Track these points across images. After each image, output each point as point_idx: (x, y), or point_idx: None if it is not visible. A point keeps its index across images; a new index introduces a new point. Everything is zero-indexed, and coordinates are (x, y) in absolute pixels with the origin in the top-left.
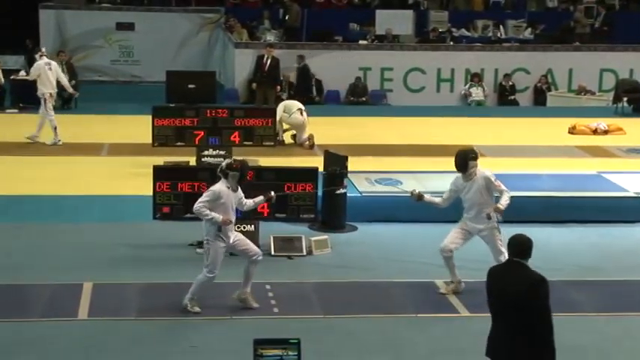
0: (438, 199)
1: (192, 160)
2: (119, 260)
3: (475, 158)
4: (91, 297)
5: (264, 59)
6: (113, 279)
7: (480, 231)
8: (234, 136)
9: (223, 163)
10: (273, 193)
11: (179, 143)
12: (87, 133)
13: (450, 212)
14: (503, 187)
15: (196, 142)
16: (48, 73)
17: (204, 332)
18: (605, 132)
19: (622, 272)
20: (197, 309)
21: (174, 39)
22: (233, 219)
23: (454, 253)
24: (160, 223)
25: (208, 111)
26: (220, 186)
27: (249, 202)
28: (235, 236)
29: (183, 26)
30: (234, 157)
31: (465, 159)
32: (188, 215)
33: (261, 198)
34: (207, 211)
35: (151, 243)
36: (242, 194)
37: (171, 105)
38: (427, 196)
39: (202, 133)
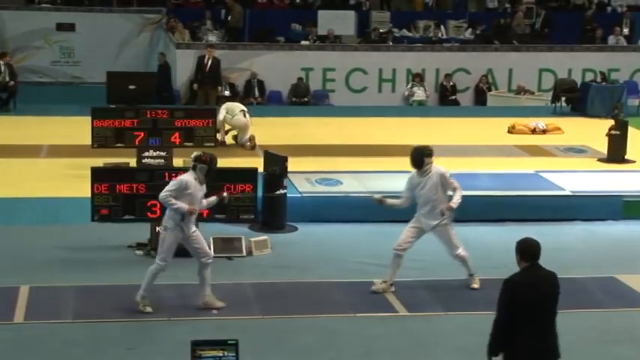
0: (397, 201)
1: (133, 162)
2: (57, 263)
3: (430, 155)
4: (28, 300)
5: (205, 60)
6: (50, 282)
7: (433, 227)
8: (175, 137)
9: (193, 155)
10: (226, 193)
11: (119, 144)
12: (26, 134)
13: (390, 212)
14: (456, 184)
15: (136, 143)
16: None
17: (141, 334)
18: (544, 131)
19: (557, 270)
20: (149, 309)
21: (115, 40)
22: (197, 210)
23: (406, 252)
24: (98, 225)
25: (148, 112)
26: (188, 177)
27: (203, 202)
28: (194, 231)
29: (125, 27)
30: (203, 151)
31: (421, 155)
32: (127, 217)
33: (213, 198)
34: (173, 200)
35: (89, 245)
36: (204, 190)
37: (111, 106)
38: (388, 200)
39: (142, 134)
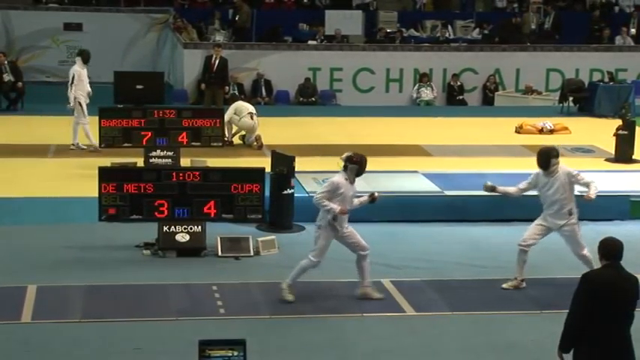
0: (512, 189)
1: (140, 161)
2: (64, 262)
3: (557, 156)
4: (35, 300)
5: (213, 59)
6: (58, 281)
7: (561, 227)
8: (182, 137)
9: (344, 156)
10: (377, 193)
11: (126, 144)
12: (33, 134)
13: (394, 212)
14: (587, 179)
15: (144, 143)
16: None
17: (148, 334)
18: (551, 131)
19: (565, 270)
20: (291, 297)
21: (123, 39)
22: (348, 210)
23: (530, 248)
24: (105, 224)
25: (156, 112)
26: (340, 178)
27: (355, 202)
28: (347, 228)
29: (132, 27)
30: (354, 151)
31: (548, 157)
32: (134, 217)
33: (365, 198)
34: (326, 202)
35: (97, 245)
36: (356, 190)
37: (118, 106)
38: (500, 187)
39: (150, 133)
